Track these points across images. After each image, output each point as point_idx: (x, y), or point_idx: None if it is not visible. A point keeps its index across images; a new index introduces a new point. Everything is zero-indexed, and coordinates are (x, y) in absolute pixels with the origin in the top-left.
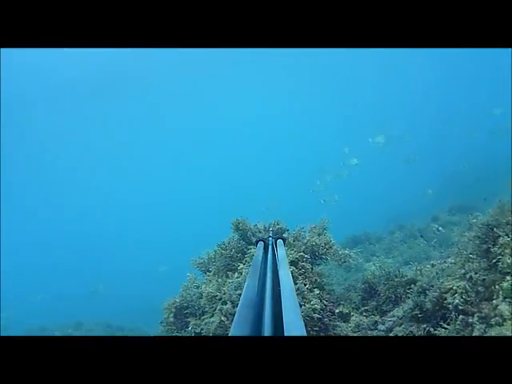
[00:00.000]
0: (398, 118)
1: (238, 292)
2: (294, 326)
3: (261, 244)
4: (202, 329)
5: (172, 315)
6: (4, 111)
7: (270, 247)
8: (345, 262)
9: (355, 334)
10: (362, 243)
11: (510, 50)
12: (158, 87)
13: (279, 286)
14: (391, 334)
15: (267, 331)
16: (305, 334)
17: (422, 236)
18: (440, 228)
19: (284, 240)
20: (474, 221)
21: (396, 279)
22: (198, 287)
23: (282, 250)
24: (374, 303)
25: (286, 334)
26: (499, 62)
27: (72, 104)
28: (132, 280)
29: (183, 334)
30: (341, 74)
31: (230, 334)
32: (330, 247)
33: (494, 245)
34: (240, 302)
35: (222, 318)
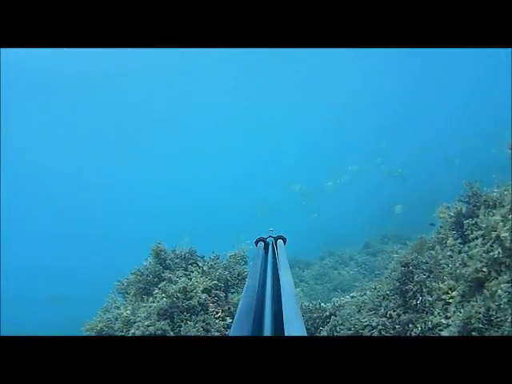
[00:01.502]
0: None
1: (146, 323)
2: (294, 326)
3: (261, 244)
4: None
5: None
6: (4, 110)
7: (270, 247)
8: None
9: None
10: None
11: (510, 50)
12: (150, 86)
13: (279, 286)
14: None
15: (267, 331)
16: (305, 333)
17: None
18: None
19: (284, 240)
20: (396, 255)
21: (315, 314)
22: (118, 308)
23: (282, 250)
24: None
25: (286, 334)
26: (499, 62)
27: (67, 101)
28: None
29: None
30: (334, 75)
31: (229, 334)
32: (243, 278)
33: (410, 281)
34: (240, 302)
35: None
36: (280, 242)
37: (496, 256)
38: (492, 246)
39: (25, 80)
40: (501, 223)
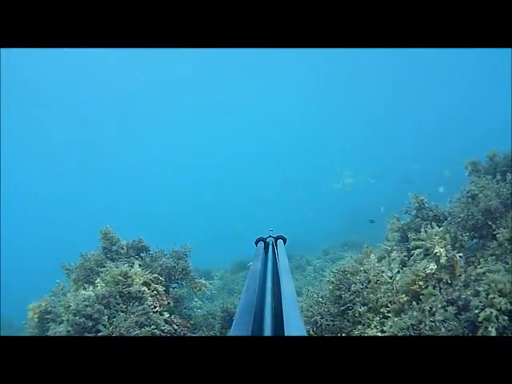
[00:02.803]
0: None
1: (84, 303)
2: (295, 326)
3: (261, 244)
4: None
5: (36, 317)
6: (4, 109)
7: (270, 247)
8: (200, 290)
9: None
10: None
11: (510, 50)
12: (149, 86)
13: (279, 286)
14: None
15: (267, 331)
16: (305, 334)
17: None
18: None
19: (284, 240)
20: (341, 262)
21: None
22: (64, 294)
23: (282, 250)
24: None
25: (286, 334)
26: (498, 64)
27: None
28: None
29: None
30: (336, 76)
31: (230, 334)
32: (187, 273)
33: (347, 290)
34: (240, 302)
35: (69, 328)
36: (280, 241)
37: (429, 271)
38: (428, 261)
39: (25, 80)
40: (437, 238)
